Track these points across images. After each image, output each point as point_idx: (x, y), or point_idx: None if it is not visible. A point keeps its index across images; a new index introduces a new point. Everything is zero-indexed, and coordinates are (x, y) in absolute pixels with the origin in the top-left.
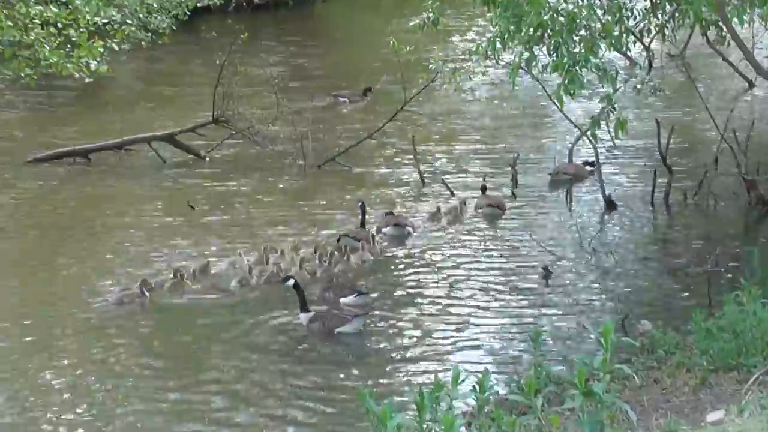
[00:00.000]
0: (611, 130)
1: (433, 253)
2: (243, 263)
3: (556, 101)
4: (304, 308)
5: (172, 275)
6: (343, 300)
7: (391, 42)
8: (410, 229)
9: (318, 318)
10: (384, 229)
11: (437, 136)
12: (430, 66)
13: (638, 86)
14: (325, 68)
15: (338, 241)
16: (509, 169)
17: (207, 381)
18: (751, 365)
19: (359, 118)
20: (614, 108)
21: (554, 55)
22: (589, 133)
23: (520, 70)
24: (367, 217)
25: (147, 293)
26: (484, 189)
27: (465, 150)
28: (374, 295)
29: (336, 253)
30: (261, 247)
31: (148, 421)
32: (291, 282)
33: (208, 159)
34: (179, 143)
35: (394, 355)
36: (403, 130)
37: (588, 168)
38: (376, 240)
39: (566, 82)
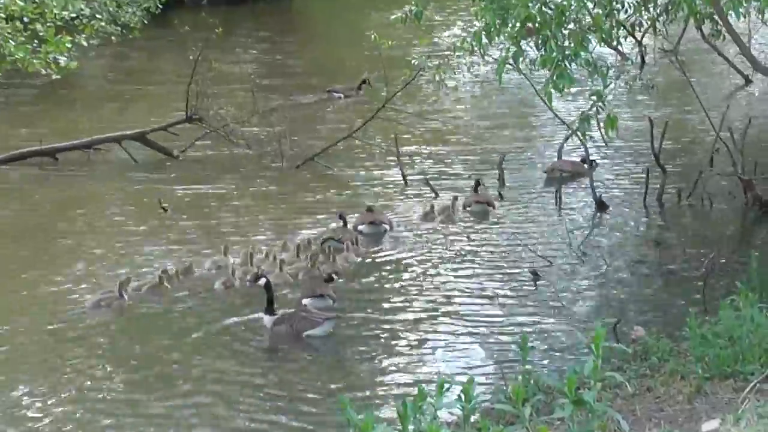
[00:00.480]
0: (602, 128)
1: (418, 256)
2: (228, 262)
3: (544, 98)
4: (270, 310)
5: (155, 277)
6: (304, 301)
7: (373, 36)
8: (386, 227)
9: (284, 320)
10: (360, 227)
11: (421, 135)
12: (413, 62)
13: (630, 83)
14: (305, 64)
15: (322, 244)
16: (495, 169)
17: (182, 388)
18: (747, 373)
19: (339, 117)
20: (604, 104)
21: (542, 49)
22: (578, 131)
23: (507, 66)
24: (347, 219)
25: (125, 295)
26: (477, 185)
27: (450, 149)
28: (353, 295)
29: (321, 255)
30: (247, 249)
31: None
32: (263, 281)
33: (181, 159)
34: (151, 142)
35: (376, 362)
36: (385, 129)
37: (585, 165)
38: (359, 241)
39: (554, 77)
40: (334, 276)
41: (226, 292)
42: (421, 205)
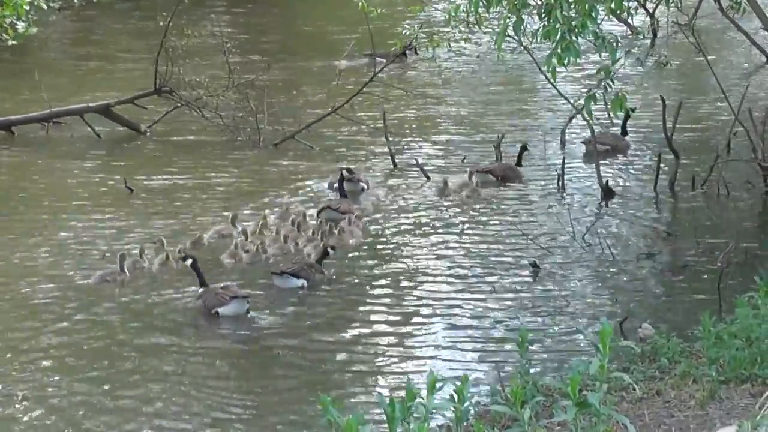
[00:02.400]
0: (609, 107)
1: (409, 245)
2: (234, 232)
3: (547, 73)
4: (202, 284)
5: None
6: (274, 280)
7: (360, 2)
8: (363, 185)
9: (202, 296)
10: (336, 185)
11: (412, 113)
12: (404, 32)
13: (641, 59)
14: (285, 33)
15: (318, 214)
16: (493, 150)
17: (158, 380)
18: (766, 376)
19: (323, 92)
20: (612, 81)
21: (546, 20)
22: (584, 111)
23: (507, 38)
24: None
25: (126, 270)
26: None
27: (443, 129)
28: (339, 285)
29: (319, 226)
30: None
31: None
32: (189, 261)
33: (149, 134)
34: (116, 116)
35: (360, 357)
36: (373, 105)
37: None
38: (363, 212)
39: (559, 50)
40: (329, 250)
41: (235, 266)
42: (409, 190)
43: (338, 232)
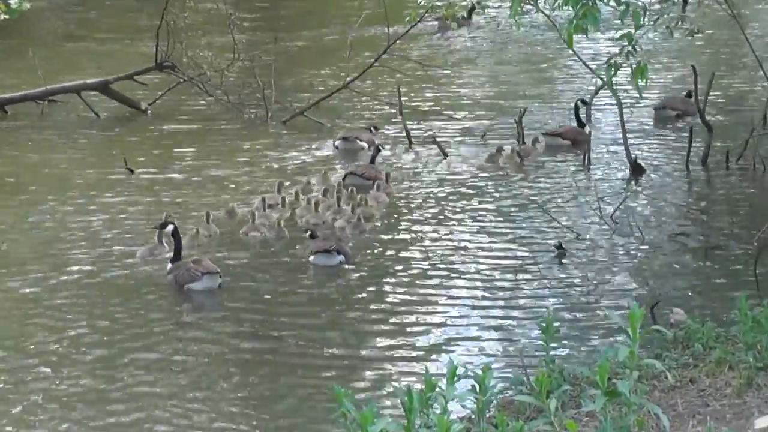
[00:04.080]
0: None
1: (426, 222)
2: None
3: (568, 41)
4: (176, 258)
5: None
6: (311, 258)
7: None
8: (363, 144)
9: (173, 270)
10: (336, 142)
11: (428, 87)
12: (419, 1)
13: (670, 26)
14: (293, 3)
15: (344, 179)
16: (513, 125)
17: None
18: None
19: (333, 65)
20: (635, 49)
21: None
22: (605, 79)
23: (528, 8)
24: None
25: (166, 244)
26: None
27: (460, 104)
28: (354, 266)
29: (343, 192)
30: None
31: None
32: (170, 228)
33: (150, 112)
34: (115, 93)
35: (377, 345)
36: (387, 79)
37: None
38: (390, 178)
39: (579, 16)
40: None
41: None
42: (427, 167)
43: (364, 203)
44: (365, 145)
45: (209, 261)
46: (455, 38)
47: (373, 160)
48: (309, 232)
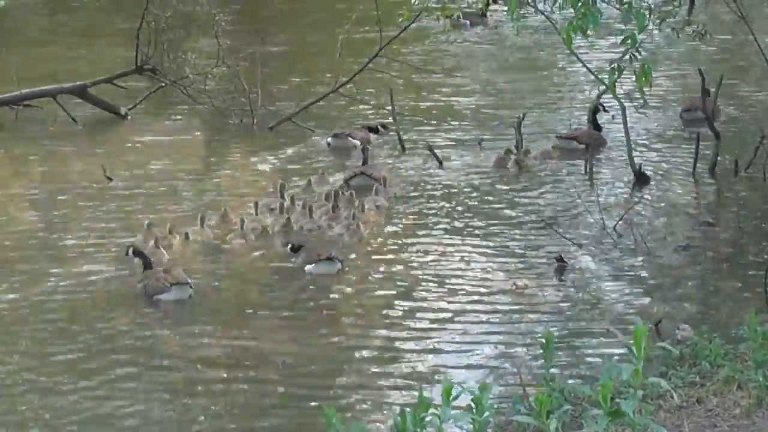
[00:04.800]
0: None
1: (422, 232)
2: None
3: (568, 42)
4: (147, 266)
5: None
6: (306, 267)
7: None
8: (355, 142)
9: (143, 280)
10: (328, 139)
11: (422, 91)
12: (413, 2)
13: (676, 28)
14: (279, 5)
15: (350, 181)
16: (512, 132)
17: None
18: None
19: (322, 68)
20: (639, 52)
21: None
22: (608, 83)
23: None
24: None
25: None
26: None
27: (456, 109)
28: (346, 277)
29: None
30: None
31: None
32: (130, 251)
33: (130, 118)
34: (93, 98)
35: (367, 361)
36: (379, 83)
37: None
38: (386, 182)
39: (579, 16)
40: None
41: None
42: (421, 175)
43: (361, 207)
44: (357, 143)
45: (180, 271)
46: (461, 39)
47: (365, 161)
48: (290, 246)
